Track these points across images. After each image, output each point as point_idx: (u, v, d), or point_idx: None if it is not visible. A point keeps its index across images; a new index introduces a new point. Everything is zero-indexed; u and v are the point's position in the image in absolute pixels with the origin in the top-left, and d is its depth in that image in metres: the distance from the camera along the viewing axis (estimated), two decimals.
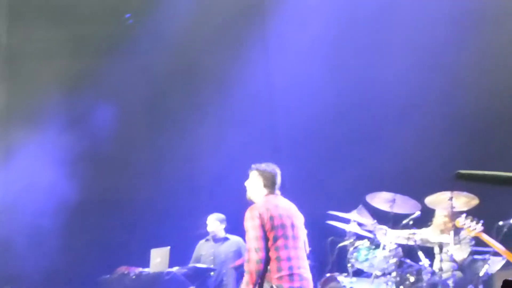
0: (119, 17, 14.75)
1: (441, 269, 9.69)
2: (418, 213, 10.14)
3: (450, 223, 9.79)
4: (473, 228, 8.43)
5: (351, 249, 10.28)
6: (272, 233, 7.53)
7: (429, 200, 9.88)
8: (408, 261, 9.91)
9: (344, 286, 10.06)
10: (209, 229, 12.26)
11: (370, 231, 10.27)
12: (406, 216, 10.24)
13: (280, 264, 7.49)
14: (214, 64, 14.44)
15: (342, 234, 10.57)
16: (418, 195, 10.09)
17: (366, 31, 13.23)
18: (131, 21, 14.65)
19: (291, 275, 7.50)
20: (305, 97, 13.30)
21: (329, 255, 10.75)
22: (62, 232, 13.20)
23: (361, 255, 10.14)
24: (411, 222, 10.11)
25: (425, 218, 10.32)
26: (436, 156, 12.22)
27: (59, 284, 13.50)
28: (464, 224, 8.48)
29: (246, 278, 7.51)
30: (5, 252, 13.35)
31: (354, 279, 10.16)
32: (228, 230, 12.25)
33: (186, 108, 14.54)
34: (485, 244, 8.69)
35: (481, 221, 8.44)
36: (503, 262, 9.68)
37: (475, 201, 9.66)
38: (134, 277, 11.83)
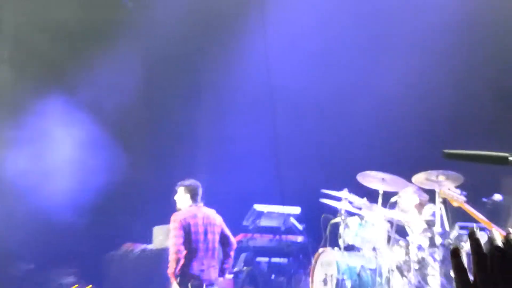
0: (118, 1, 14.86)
1: (431, 244, 10.00)
2: None
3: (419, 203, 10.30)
4: (456, 198, 8.96)
5: (342, 225, 10.74)
6: (186, 238, 9.53)
7: (416, 179, 10.13)
8: (396, 236, 10.26)
9: (337, 260, 10.48)
10: None
11: (360, 209, 10.70)
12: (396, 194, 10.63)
13: (184, 263, 9.45)
14: (212, 50, 14.74)
15: (335, 212, 11.02)
16: (406, 174, 10.41)
17: (366, 26, 13.63)
18: (130, 5, 14.71)
19: (190, 274, 9.45)
20: (304, 83, 13.68)
21: (323, 231, 11.17)
22: (69, 212, 13.48)
23: (351, 231, 10.61)
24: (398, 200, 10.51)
25: None
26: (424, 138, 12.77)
27: (67, 262, 13.83)
28: (449, 194, 9.02)
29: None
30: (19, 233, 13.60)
31: (346, 253, 10.61)
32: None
33: (183, 95, 14.91)
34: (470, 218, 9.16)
35: (464, 193, 8.95)
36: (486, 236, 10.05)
37: (460, 180, 9.84)
38: (138, 253, 12.51)
